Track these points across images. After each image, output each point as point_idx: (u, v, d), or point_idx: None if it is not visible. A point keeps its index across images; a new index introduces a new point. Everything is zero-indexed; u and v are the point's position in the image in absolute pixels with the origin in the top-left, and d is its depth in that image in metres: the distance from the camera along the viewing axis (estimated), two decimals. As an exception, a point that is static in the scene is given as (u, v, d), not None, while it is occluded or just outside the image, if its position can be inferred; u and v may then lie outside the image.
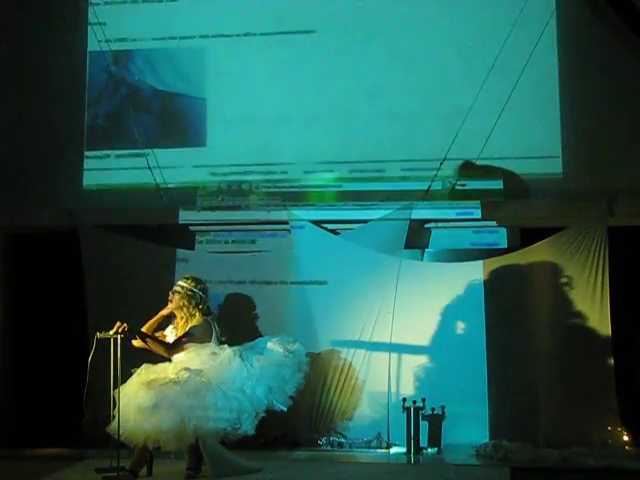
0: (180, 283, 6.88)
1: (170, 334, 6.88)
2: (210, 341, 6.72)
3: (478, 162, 8.18)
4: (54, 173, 8.69)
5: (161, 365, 6.64)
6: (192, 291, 6.81)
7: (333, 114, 8.51)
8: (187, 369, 6.46)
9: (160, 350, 6.65)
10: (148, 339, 6.63)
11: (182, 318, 6.82)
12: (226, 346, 6.70)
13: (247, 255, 8.37)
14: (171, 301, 6.84)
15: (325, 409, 7.98)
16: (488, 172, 8.20)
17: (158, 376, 6.49)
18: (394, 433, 7.81)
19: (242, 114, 8.61)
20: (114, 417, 6.36)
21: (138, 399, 6.35)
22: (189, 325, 6.76)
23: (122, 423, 6.28)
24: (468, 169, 8.24)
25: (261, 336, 7.13)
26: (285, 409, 6.70)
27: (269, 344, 6.79)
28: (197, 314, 6.78)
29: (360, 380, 8.01)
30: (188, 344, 6.65)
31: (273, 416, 6.71)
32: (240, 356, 6.61)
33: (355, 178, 8.45)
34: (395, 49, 8.48)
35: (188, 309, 6.79)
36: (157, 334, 6.86)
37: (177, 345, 6.68)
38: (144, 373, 6.54)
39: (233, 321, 7.83)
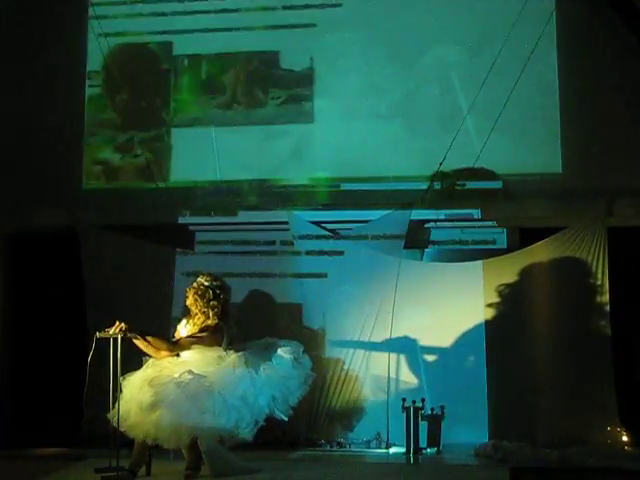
0: (198, 279, 6.79)
1: (184, 328, 6.77)
2: (220, 346, 6.59)
3: (477, 163, 8.20)
4: (54, 173, 8.69)
5: (168, 360, 6.54)
6: (204, 286, 6.70)
7: (333, 114, 8.51)
8: (190, 372, 6.38)
9: (162, 349, 6.54)
10: (149, 338, 6.51)
11: (196, 315, 6.70)
12: (232, 351, 6.59)
13: (246, 255, 8.35)
14: (187, 297, 6.77)
15: (325, 409, 7.99)
16: (487, 172, 8.23)
17: (162, 373, 6.43)
18: (393, 433, 7.80)
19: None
20: (114, 407, 6.34)
21: (140, 395, 6.33)
22: (202, 324, 6.65)
23: (124, 417, 6.28)
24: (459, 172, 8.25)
25: (271, 336, 7.01)
26: (286, 419, 6.65)
27: (280, 351, 6.69)
28: (211, 314, 6.64)
29: (359, 380, 8.01)
30: (195, 345, 6.58)
31: (273, 417, 6.65)
32: (245, 362, 6.50)
33: (355, 178, 8.45)
34: (395, 49, 8.47)
35: (201, 306, 6.66)
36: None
37: (180, 344, 6.60)
38: (151, 368, 6.50)
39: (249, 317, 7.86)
